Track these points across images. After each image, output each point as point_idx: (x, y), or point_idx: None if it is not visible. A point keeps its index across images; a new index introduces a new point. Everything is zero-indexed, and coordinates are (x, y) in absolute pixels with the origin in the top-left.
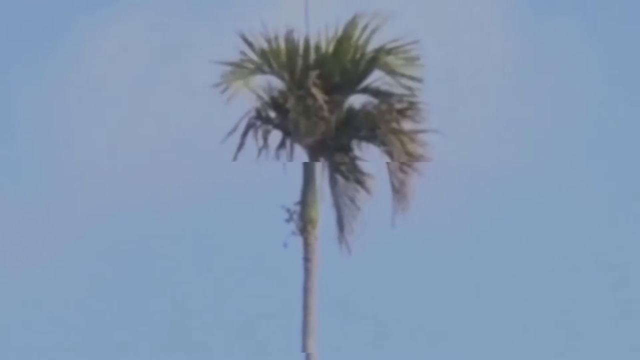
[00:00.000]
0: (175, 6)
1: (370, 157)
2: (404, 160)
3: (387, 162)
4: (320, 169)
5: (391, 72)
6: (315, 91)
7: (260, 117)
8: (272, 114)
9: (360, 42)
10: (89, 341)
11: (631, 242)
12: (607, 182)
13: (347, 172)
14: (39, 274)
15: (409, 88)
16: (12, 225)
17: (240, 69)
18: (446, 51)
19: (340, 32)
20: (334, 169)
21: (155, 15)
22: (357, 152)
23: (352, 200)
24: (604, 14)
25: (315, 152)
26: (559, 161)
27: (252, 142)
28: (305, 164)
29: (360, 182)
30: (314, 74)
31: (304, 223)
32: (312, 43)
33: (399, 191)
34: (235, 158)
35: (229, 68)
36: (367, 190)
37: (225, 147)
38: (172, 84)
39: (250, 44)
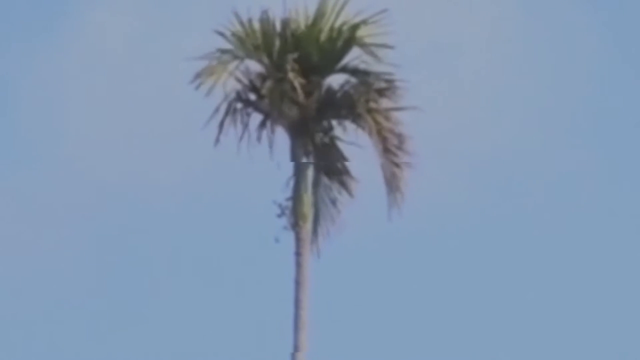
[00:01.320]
0: None
1: (351, 138)
2: (376, 138)
3: (379, 158)
4: (307, 160)
5: (362, 44)
6: (292, 76)
7: (240, 99)
8: (252, 97)
9: (334, 17)
10: (84, 332)
11: (636, 223)
12: (611, 162)
13: (332, 171)
14: (31, 263)
15: (385, 62)
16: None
17: (213, 65)
18: (443, 27)
19: (314, 11)
20: (320, 157)
21: (136, 4)
22: (338, 132)
23: (333, 203)
24: None
25: (295, 134)
26: (560, 141)
27: (233, 125)
28: (292, 152)
29: (343, 184)
30: (291, 57)
31: (296, 218)
32: (287, 23)
33: (392, 185)
34: (216, 142)
35: (201, 64)
36: (350, 193)
37: (213, 135)
38: (158, 68)
39: (222, 34)
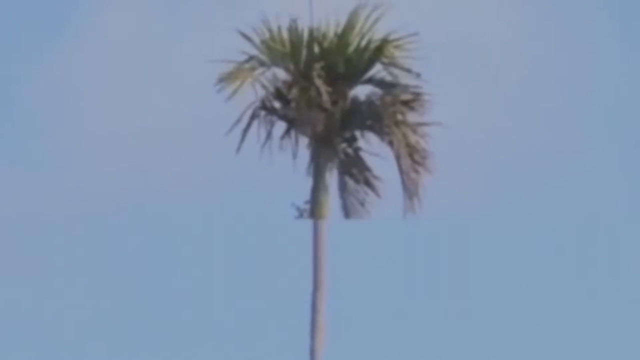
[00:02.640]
0: None
1: (374, 149)
2: (404, 151)
3: (398, 161)
4: (330, 169)
5: (392, 64)
6: (318, 83)
7: (264, 107)
8: (277, 105)
9: (364, 31)
10: (90, 334)
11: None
12: (627, 162)
13: (357, 173)
14: (37, 271)
15: (415, 77)
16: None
17: (238, 69)
18: (452, 36)
19: (343, 22)
20: (343, 167)
21: (160, 7)
22: (361, 143)
23: (362, 204)
24: None
25: (319, 143)
26: (578, 142)
27: (256, 133)
28: (315, 162)
29: (369, 185)
30: (318, 65)
31: (314, 220)
32: (316, 33)
33: (410, 190)
34: (238, 149)
35: (226, 68)
36: (377, 194)
37: (235, 141)
38: (176, 75)
39: (249, 39)
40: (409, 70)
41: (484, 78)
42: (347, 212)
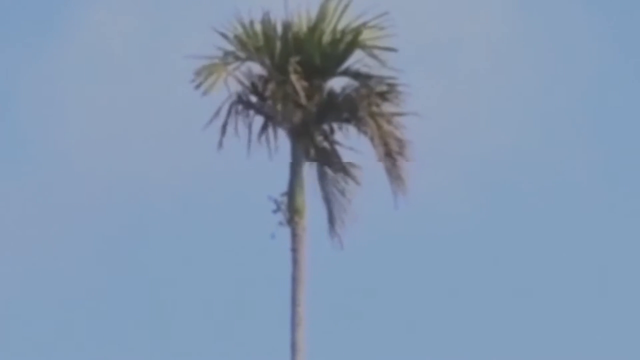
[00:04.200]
0: None
1: (352, 141)
2: (378, 141)
3: (375, 151)
4: (307, 160)
5: (365, 47)
6: (294, 78)
7: (241, 101)
8: (253, 99)
9: (335, 20)
10: (82, 330)
11: (633, 223)
12: (611, 164)
13: (334, 162)
14: (31, 262)
15: (388, 66)
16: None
17: (213, 64)
18: (442, 26)
19: (315, 14)
20: (320, 159)
21: (138, 3)
22: (338, 135)
23: (342, 193)
24: None
25: (297, 136)
26: (559, 142)
27: (234, 128)
28: (292, 154)
29: (347, 173)
30: (294, 60)
31: (291, 214)
32: (289, 26)
33: (393, 174)
34: (220, 144)
35: (201, 63)
36: (356, 181)
37: (212, 134)
38: (160, 72)
39: (224, 35)
40: (386, 49)
41: (462, 73)
42: (327, 202)
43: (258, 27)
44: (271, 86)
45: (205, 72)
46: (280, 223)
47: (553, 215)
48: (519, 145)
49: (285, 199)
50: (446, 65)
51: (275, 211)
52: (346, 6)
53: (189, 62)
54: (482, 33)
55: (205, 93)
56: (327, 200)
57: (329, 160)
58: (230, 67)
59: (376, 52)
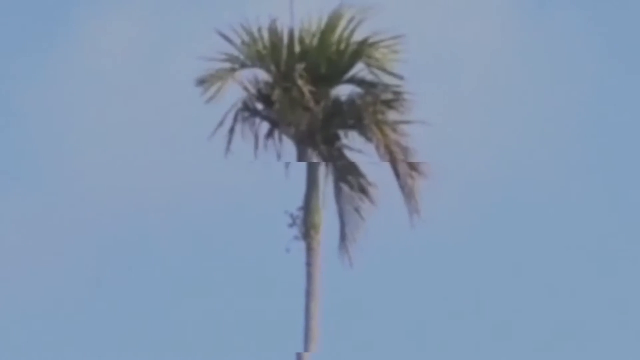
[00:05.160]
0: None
1: (361, 149)
2: (384, 150)
3: (393, 167)
4: (325, 175)
5: (374, 66)
6: (301, 83)
7: (247, 109)
8: (260, 106)
9: (346, 34)
10: (85, 342)
11: (631, 240)
12: (609, 180)
13: (352, 180)
14: (35, 274)
15: (398, 76)
16: (8, 224)
17: (218, 70)
18: (441, 42)
19: (324, 24)
20: (339, 177)
21: (144, 11)
22: (345, 141)
23: (357, 211)
24: (606, 3)
25: (303, 143)
26: (560, 158)
27: (241, 135)
28: (308, 169)
29: (364, 192)
30: (300, 66)
31: (307, 228)
32: (297, 34)
33: (408, 194)
34: (226, 152)
35: (207, 69)
36: (372, 201)
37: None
38: (165, 80)
39: (229, 41)
40: (391, 73)
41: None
42: (342, 219)
43: (265, 35)
44: (277, 92)
45: (212, 80)
46: (296, 237)
47: (554, 227)
48: (519, 157)
49: (301, 214)
50: (448, 77)
51: (291, 226)
52: (359, 22)
53: (193, 70)
54: (482, 46)
55: (210, 100)
56: (341, 217)
57: (347, 174)
58: (236, 74)
59: (381, 69)
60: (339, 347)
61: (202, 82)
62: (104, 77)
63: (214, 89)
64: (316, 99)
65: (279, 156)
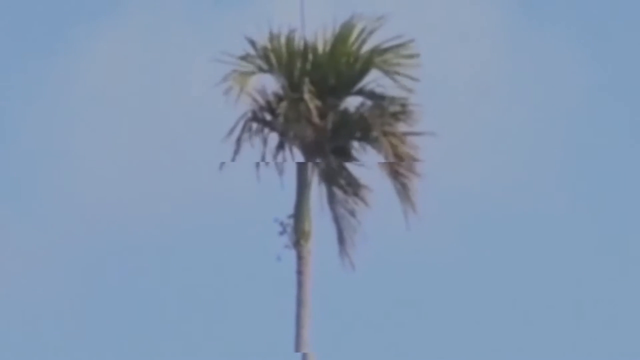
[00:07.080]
0: (173, 10)
1: (365, 159)
2: (392, 160)
3: (383, 166)
4: (316, 182)
5: (388, 71)
6: (308, 97)
7: (256, 119)
8: (268, 116)
9: (356, 45)
10: (79, 355)
11: (621, 255)
12: (598, 196)
13: (345, 184)
14: (30, 285)
15: (405, 88)
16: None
17: (243, 66)
18: (439, 58)
19: (336, 34)
20: (330, 181)
21: (154, 19)
22: (354, 153)
23: (352, 214)
24: (595, 21)
25: (310, 154)
26: (549, 174)
27: (249, 145)
28: (298, 176)
29: (358, 195)
30: (308, 79)
31: (297, 236)
32: (309, 45)
33: (403, 193)
34: (233, 159)
35: (232, 64)
36: (366, 203)
37: (221, 155)
38: (168, 90)
39: (252, 43)
40: (407, 77)
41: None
42: (337, 223)
43: (283, 43)
44: (284, 104)
45: (235, 74)
46: (286, 245)
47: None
48: (506, 180)
49: (291, 222)
50: (436, 101)
51: (281, 233)
52: (370, 33)
53: (189, 85)
54: (471, 68)
55: (229, 93)
56: (337, 221)
57: (338, 181)
58: (253, 79)
59: (395, 75)
60: (331, 354)
61: (222, 80)
62: (102, 93)
63: (233, 87)
64: (323, 113)
65: (281, 170)
